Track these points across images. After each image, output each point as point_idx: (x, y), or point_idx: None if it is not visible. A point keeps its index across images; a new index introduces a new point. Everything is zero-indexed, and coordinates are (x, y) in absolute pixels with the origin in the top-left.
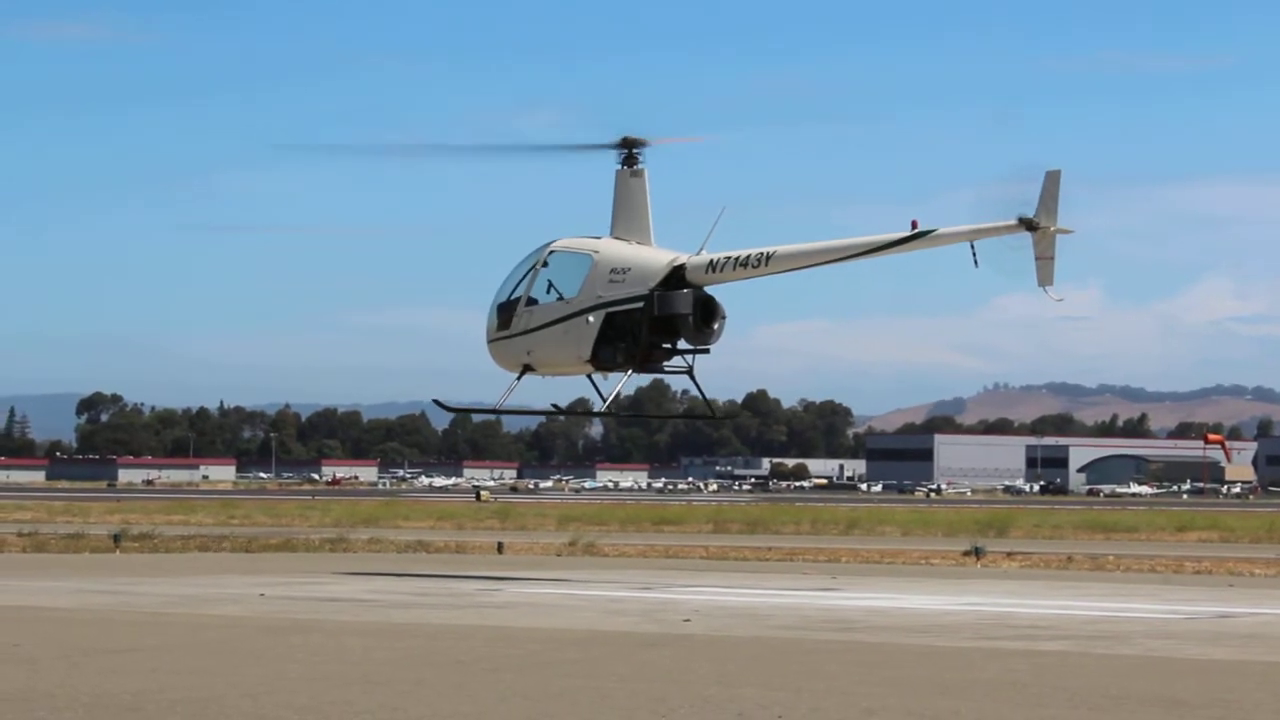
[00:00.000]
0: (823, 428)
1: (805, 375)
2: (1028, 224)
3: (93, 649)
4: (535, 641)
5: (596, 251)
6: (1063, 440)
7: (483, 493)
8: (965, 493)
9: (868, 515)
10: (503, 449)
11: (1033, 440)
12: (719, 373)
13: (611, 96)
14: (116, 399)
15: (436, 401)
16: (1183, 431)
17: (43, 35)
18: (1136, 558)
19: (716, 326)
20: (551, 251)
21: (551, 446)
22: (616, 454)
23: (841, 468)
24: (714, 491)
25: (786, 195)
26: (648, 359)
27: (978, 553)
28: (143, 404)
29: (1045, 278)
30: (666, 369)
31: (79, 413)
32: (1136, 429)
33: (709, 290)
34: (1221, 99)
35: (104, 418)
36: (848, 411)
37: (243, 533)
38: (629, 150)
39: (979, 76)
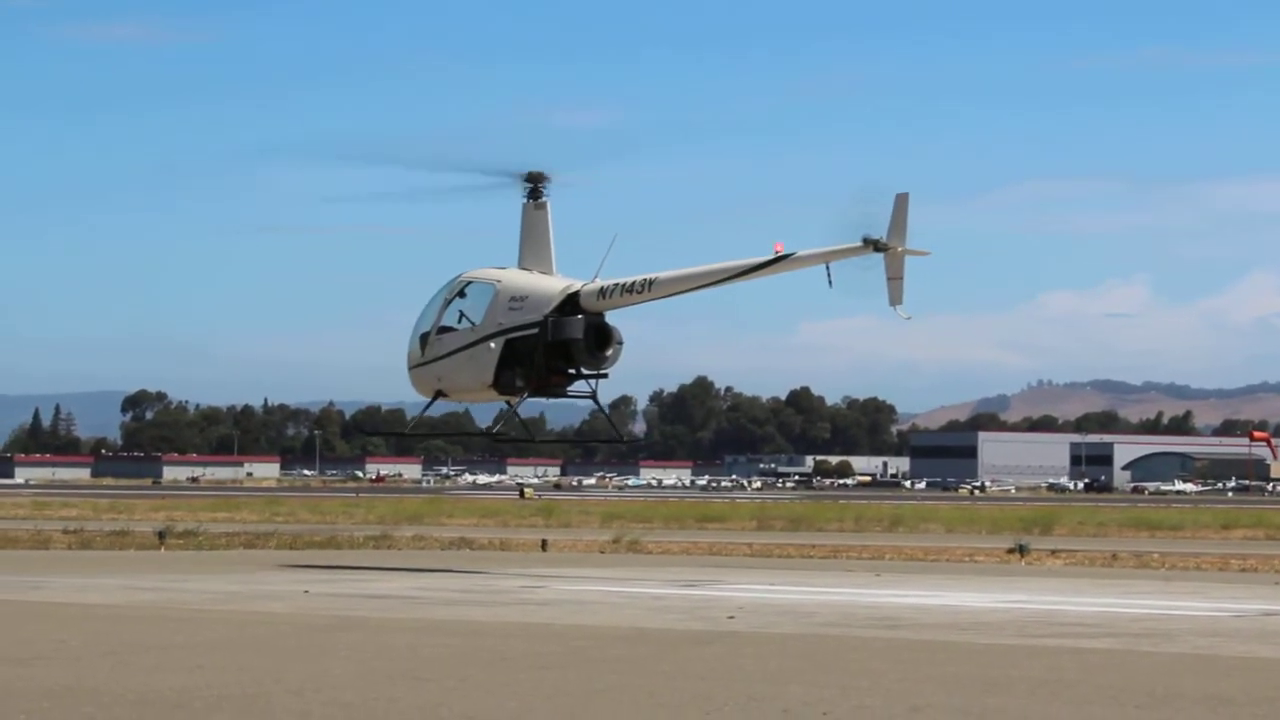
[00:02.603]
0: (867, 425)
1: (849, 372)
2: (876, 245)
3: (138, 646)
4: (579, 638)
5: (499, 281)
6: (1107, 437)
7: (526, 490)
8: (1009, 490)
9: (912, 513)
10: (546, 447)
11: (1077, 437)
12: (761, 371)
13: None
14: (161, 397)
15: (355, 425)
16: (1228, 429)
17: (91, 35)
18: (1182, 555)
19: (610, 352)
20: (461, 281)
21: (595, 444)
22: (660, 451)
23: (885, 465)
24: (757, 489)
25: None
26: (546, 383)
27: (1022, 550)
28: (187, 402)
29: (895, 297)
30: (570, 394)
31: (124, 410)
32: (1181, 426)
33: (604, 315)
34: (1269, 95)
35: (149, 415)
36: (891, 409)
37: (287, 530)
38: (533, 184)
39: (1020, 76)
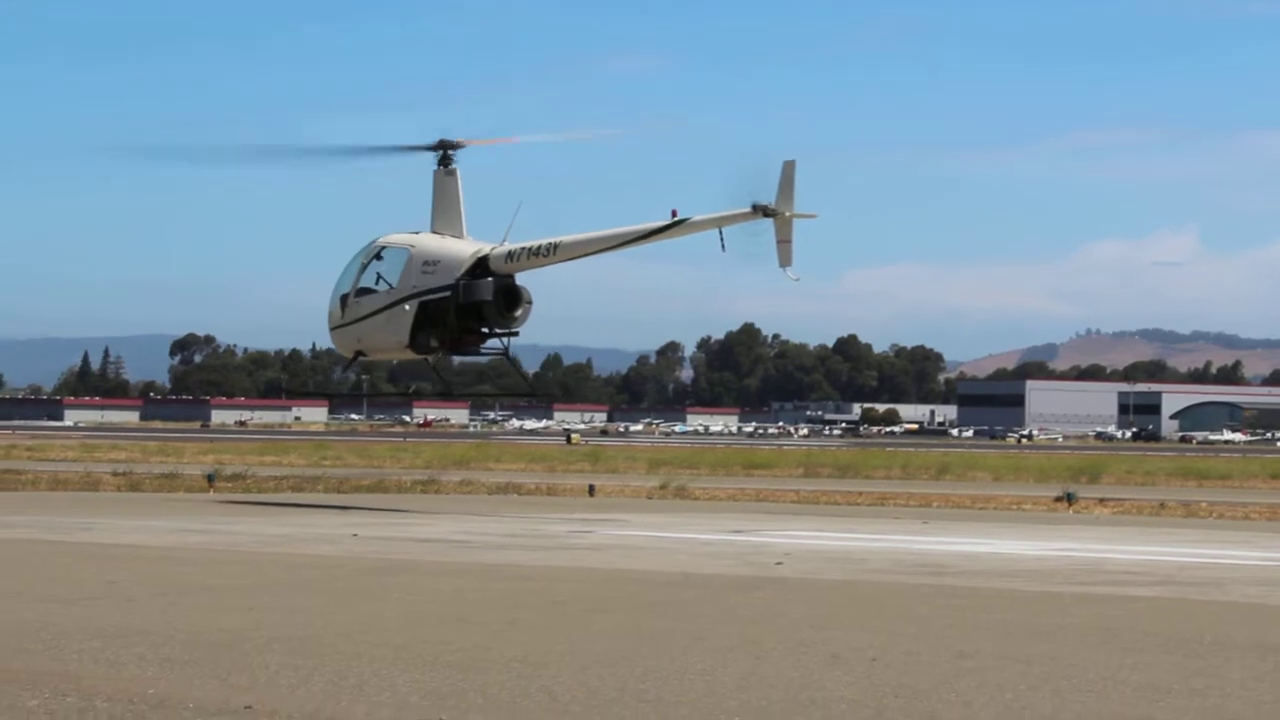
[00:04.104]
0: (914, 373)
1: (897, 320)
2: (765, 210)
3: (189, 587)
4: (628, 583)
5: (413, 245)
6: (1156, 386)
7: (573, 436)
8: (1057, 439)
9: (959, 460)
10: (593, 392)
11: (1125, 386)
12: (809, 318)
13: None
14: (210, 340)
15: (281, 387)
16: (1277, 378)
17: None
18: (1230, 504)
19: (520, 312)
20: (377, 245)
21: (642, 390)
22: (706, 398)
23: (932, 413)
24: (804, 436)
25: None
26: (459, 343)
27: (1070, 498)
28: (236, 345)
29: (785, 259)
30: (484, 351)
31: (172, 354)
32: (1230, 376)
33: (514, 278)
34: None
35: (197, 359)
36: (939, 357)
37: (335, 474)
38: (444, 151)
39: (1071, 24)
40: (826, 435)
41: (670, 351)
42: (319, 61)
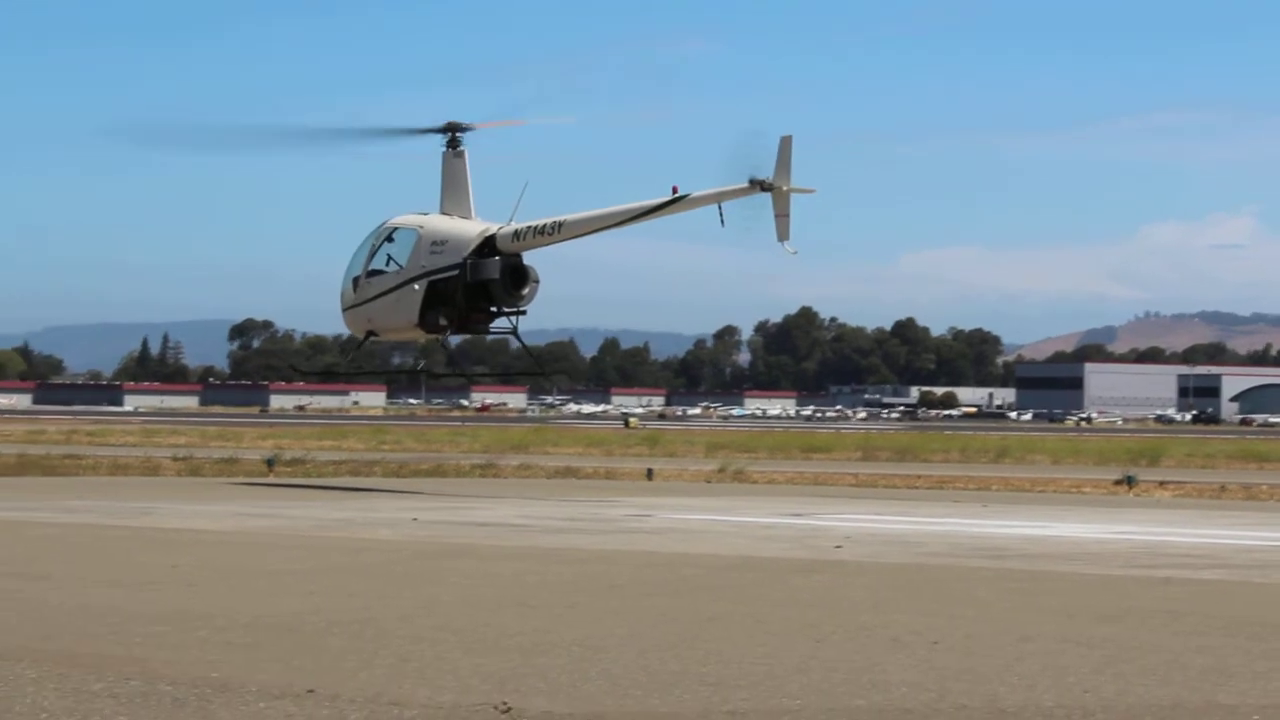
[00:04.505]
0: (972, 356)
1: (955, 303)
2: (762, 185)
3: (250, 571)
4: (687, 567)
5: (422, 226)
6: (1215, 369)
7: (631, 419)
8: (1116, 422)
9: (1017, 444)
10: (650, 376)
11: (1184, 369)
12: (866, 301)
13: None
14: (268, 325)
15: (292, 367)
16: None
17: None
18: None
19: (526, 290)
20: (387, 227)
21: (699, 374)
22: (764, 381)
23: (991, 396)
24: (862, 419)
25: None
26: (467, 321)
27: (1130, 481)
28: (294, 330)
29: (783, 233)
30: (493, 330)
31: (231, 339)
32: None
33: (521, 257)
34: None
35: (256, 344)
36: (997, 340)
37: (394, 458)
38: (452, 134)
39: (1127, 7)
40: (884, 418)
41: (727, 335)
42: (376, 39)
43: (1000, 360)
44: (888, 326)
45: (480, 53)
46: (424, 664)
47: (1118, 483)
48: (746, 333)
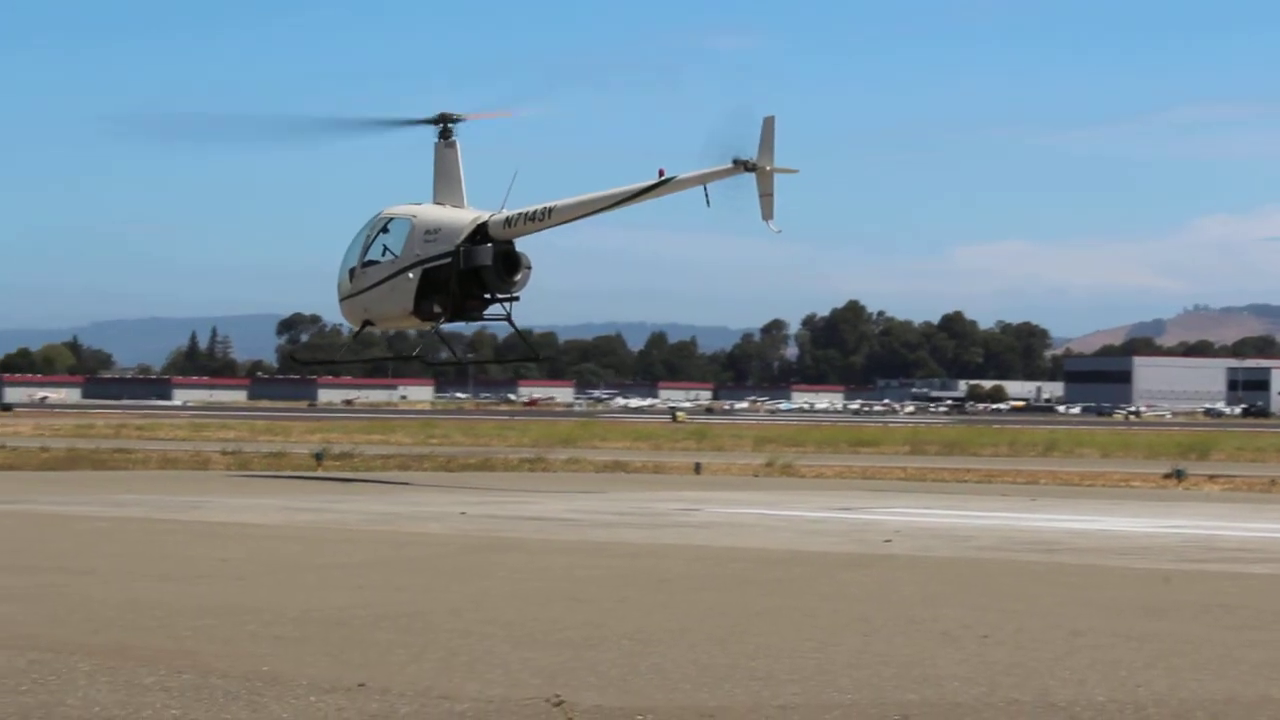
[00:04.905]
0: (1020, 349)
1: (1003, 296)
2: (746, 165)
3: (298, 565)
4: (736, 561)
5: (415, 216)
6: (1265, 362)
7: (679, 414)
8: (1165, 415)
9: (1066, 437)
10: (698, 370)
11: (1234, 362)
12: (914, 295)
13: None
14: (315, 320)
15: (291, 355)
16: None
17: None
18: None
19: (519, 277)
20: (382, 218)
21: (746, 368)
22: (812, 375)
23: (1039, 390)
24: (910, 413)
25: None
26: (462, 308)
27: (1179, 475)
28: (342, 325)
29: (767, 212)
30: (486, 317)
31: (279, 333)
32: None
33: (513, 244)
34: None
35: (304, 338)
36: (1045, 333)
37: (442, 452)
38: (444, 124)
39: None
40: (932, 412)
41: (775, 329)
42: (421, 31)
43: (1048, 354)
44: (935, 320)
45: (507, 46)
46: (474, 658)
47: (1167, 477)
48: (794, 327)
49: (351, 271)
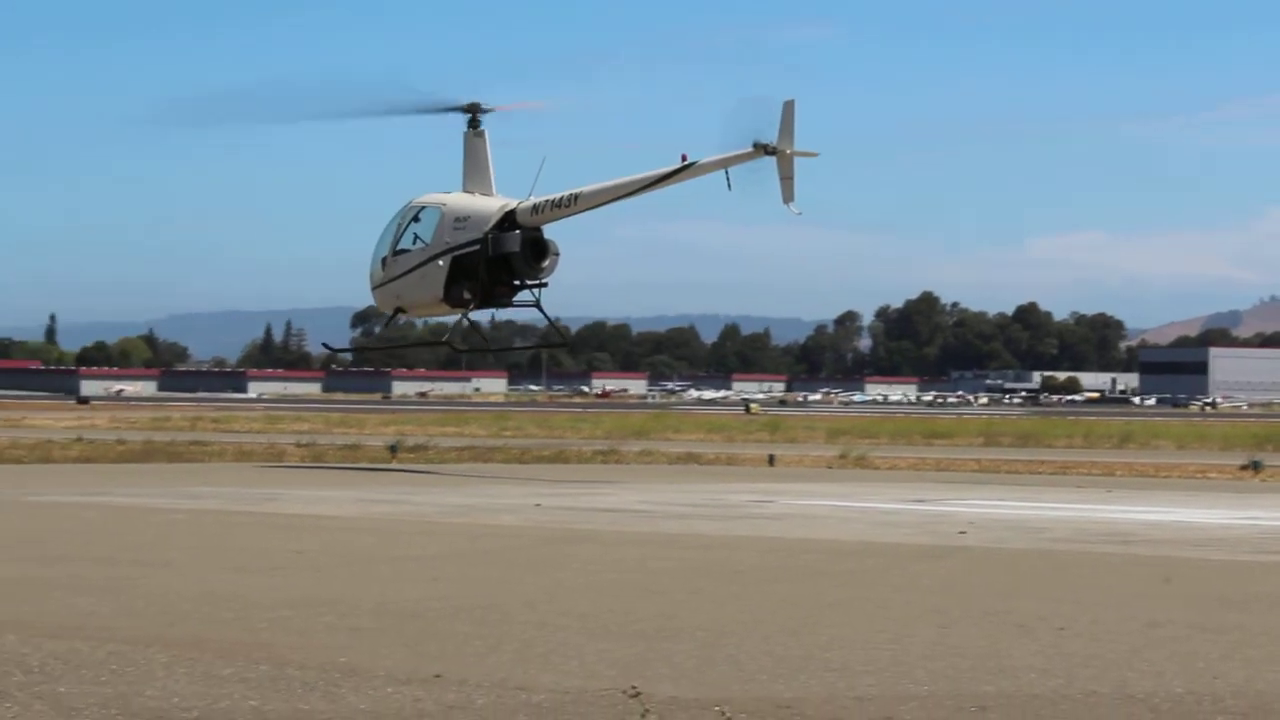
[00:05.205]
0: (1095, 341)
1: (1078, 287)
2: (767, 149)
3: (373, 557)
4: (810, 552)
5: (445, 204)
6: None
7: (752, 405)
8: (1241, 406)
9: (1141, 429)
10: (771, 362)
11: None
12: (988, 286)
13: None
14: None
15: (325, 345)
16: None
17: None
18: None
19: (547, 263)
20: (413, 207)
21: (820, 360)
22: (885, 367)
23: (1114, 381)
24: (984, 405)
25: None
26: (491, 295)
27: (1256, 467)
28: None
29: (788, 195)
30: (516, 303)
31: (353, 326)
32: None
33: (541, 230)
34: None
35: (378, 330)
36: (1120, 324)
37: (516, 444)
38: (473, 114)
39: None
40: (1006, 404)
41: (848, 321)
42: (493, 26)
43: (1123, 345)
44: (1010, 311)
45: (585, 37)
46: (549, 649)
47: (1243, 468)
48: (868, 318)
49: (384, 260)
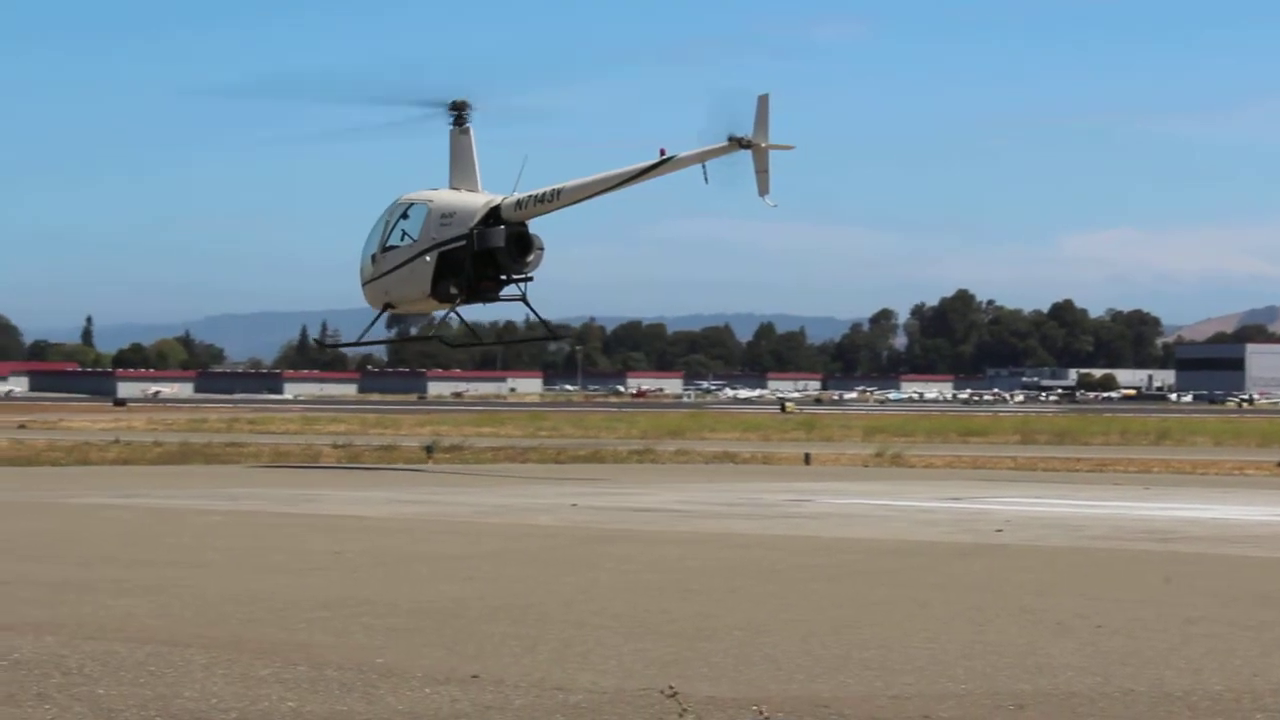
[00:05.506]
0: (1131, 337)
1: (1113, 284)
2: (742, 143)
3: (411, 557)
4: (847, 551)
5: (431, 200)
6: None
7: (787, 404)
8: (1278, 403)
9: (1178, 426)
10: (806, 361)
11: None
12: (1023, 283)
13: None
14: (425, 312)
15: (316, 341)
16: None
17: None
18: None
19: (532, 257)
20: (401, 203)
21: (855, 358)
22: (920, 365)
23: (1150, 378)
24: (1020, 402)
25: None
26: (477, 290)
27: None
28: (451, 317)
29: (763, 187)
30: (502, 297)
31: (389, 326)
32: None
33: (526, 225)
34: None
35: (413, 331)
36: (1156, 321)
37: (551, 444)
38: (458, 112)
39: None
40: (1042, 401)
41: (883, 319)
42: (515, 27)
43: (1159, 342)
44: (1045, 309)
45: (635, 35)
46: (587, 649)
47: None
48: (903, 316)
49: (373, 257)
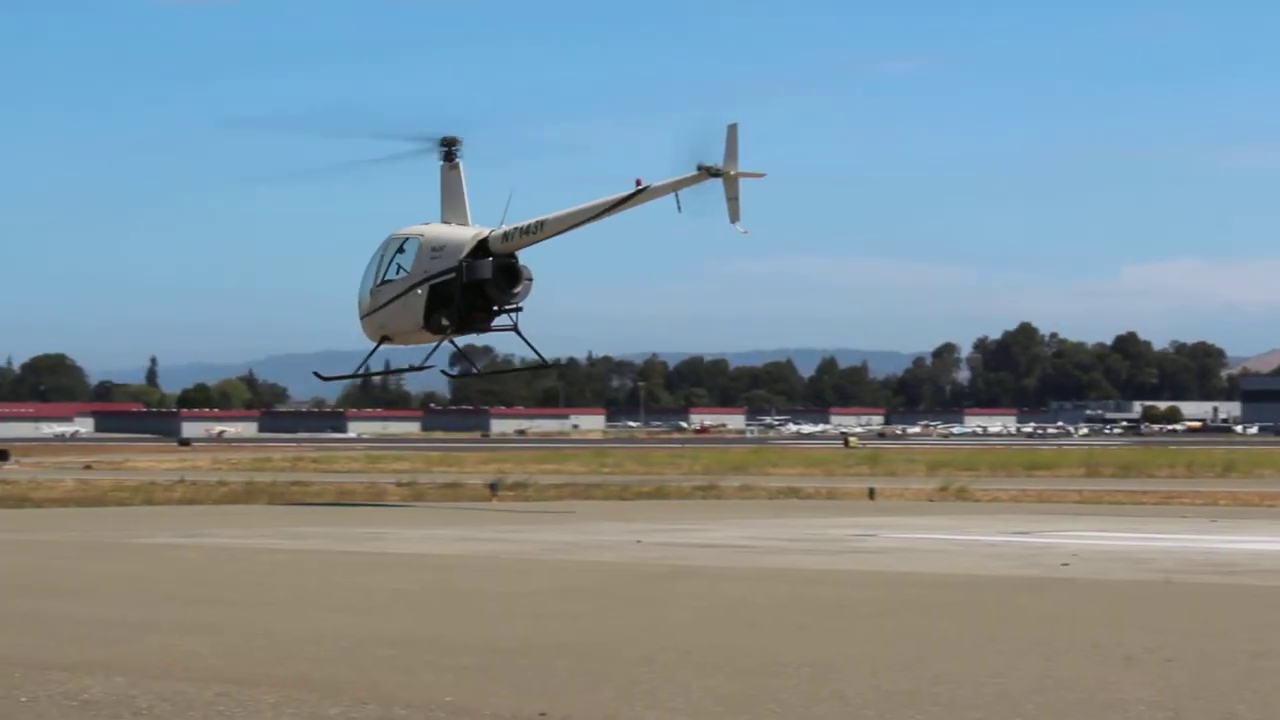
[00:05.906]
0: (1195, 369)
1: (1176, 315)
2: (712, 172)
3: (477, 595)
4: (914, 586)
5: (422, 235)
6: None
7: (851, 439)
8: None
9: (1245, 458)
10: (869, 395)
11: None
12: (1086, 316)
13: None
14: (488, 350)
15: (316, 373)
16: None
17: None
18: None
19: (519, 288)
20: (395, 239)
21: (918, 392)
22: (984, 399)
23: (1215, 410)
24: (1084, 435)
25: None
26: (468, 320)
27: None
28: (513, 355)
29: (734, 215)
30: (494, 328)
31: (452, 364)
32: None
33: (515, 256)
34: None
35: (476, 369)
36: (1221, 352)
37: (615, 481)
38: (447, 148)
39: None
40: (1107, 434)
41: (946, 353)
42: (578, 62)
43: (1224, 373)
44: (1109, 341)
45: (692, 73)
46: (654, 685)
47: None
48: (966, 350)
49: (370, 291)
